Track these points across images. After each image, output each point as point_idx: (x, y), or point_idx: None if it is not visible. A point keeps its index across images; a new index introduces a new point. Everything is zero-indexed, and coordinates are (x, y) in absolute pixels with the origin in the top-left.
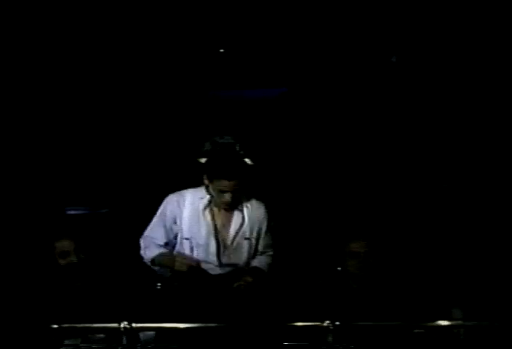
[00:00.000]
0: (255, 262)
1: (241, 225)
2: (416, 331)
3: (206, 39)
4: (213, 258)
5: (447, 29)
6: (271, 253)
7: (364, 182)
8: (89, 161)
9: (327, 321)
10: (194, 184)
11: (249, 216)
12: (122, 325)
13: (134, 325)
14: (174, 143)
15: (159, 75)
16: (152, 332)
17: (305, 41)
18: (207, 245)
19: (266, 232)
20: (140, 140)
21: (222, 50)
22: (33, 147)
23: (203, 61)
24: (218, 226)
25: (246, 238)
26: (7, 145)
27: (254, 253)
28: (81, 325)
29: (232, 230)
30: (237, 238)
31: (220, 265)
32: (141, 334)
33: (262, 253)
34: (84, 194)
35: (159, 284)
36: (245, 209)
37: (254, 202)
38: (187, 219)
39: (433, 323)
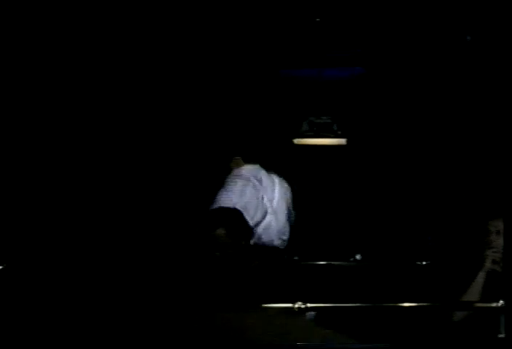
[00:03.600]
0: None
1: None
2: None
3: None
4: None
5: None
6: None
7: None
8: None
9: (501, 301)
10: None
11: None
12: (297, 305)
13: (309, 305)
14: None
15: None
16: (313, 312)
17: (381, 21)
18: None
19: None
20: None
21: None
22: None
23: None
24: None
25: None
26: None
27: None
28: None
29: None
30: None
31: None
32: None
33: None
34: None
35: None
36: None
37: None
38: None
39: None
